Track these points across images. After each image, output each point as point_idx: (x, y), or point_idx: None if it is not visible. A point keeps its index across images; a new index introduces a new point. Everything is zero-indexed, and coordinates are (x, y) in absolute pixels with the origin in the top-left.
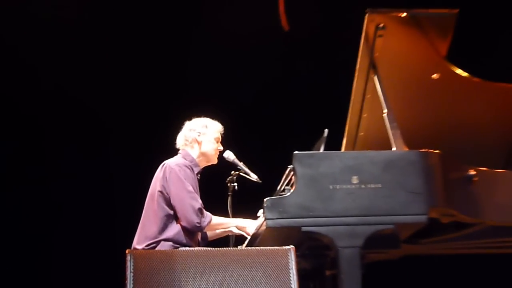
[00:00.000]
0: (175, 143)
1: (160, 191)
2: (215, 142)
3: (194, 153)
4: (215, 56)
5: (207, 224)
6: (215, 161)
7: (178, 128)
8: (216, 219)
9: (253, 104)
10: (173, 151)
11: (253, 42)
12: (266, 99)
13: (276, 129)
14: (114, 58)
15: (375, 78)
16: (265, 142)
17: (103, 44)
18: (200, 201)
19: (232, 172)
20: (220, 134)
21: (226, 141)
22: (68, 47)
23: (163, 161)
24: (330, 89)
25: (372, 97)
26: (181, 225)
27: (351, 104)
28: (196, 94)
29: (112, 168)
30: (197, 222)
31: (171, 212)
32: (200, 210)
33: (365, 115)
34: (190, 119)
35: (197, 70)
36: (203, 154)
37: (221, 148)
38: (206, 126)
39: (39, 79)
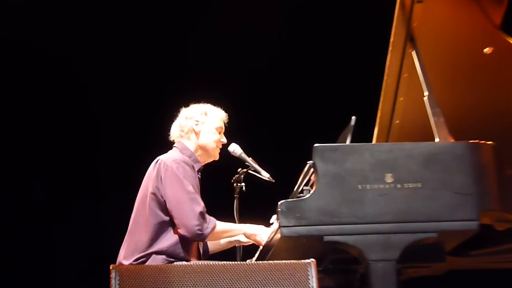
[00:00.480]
0: (169, 135)
1: (153, 193)
2: (217, 133)
3: (192, 146)
4: (218, 31)
5: (211, 231)
6: (216, 156)
7: (173, 117)
8: (221, 225)
9: (263, 88)
10: (169, 145)
11: (261, 16)
12: (279, 82)
13: (291, 117)
14: (104, 32)
15: (413, 54)
16: (279, 133)
17: (93, 24)
18: (202, 203)
19: (239, 169)
20: (224, 123)
21: (232, 132)
22: (59, 29)
23: (156, 156)
24: (358, 68)
25: (410, 77)
26: (178, 235)
27: (384, 86)
28: (195, 77)
29: (97, 165)
30: (199, 229)
31: (166, 218)
32: (202, 214)
33: (401, 99)
34: (187, 105)
35: (197, 49)
36: (202, 147)
37: (225, 140)
38: (205, 114)
39: (25, 61)
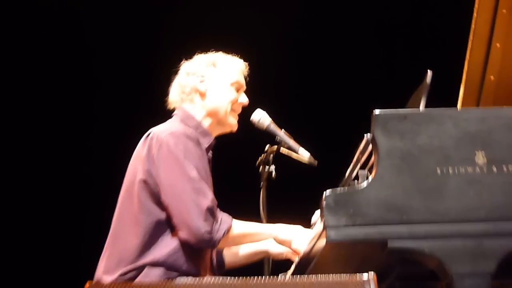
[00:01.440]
0: (166, 101)
1: (144, 180)
2: (232, 90)
3: (198, 113)
4: None
5: (224, 235)
6: (233, 125)
7: (172, 76)
8: (240, 226)
9: (302, 36)
10: (167, 116)
11: None
12: (318, 26)
13: (339, 73)
14: None
15: None
16: (321, 96)
17: None
18: (211, 195)
19: (267, 146)
20: (244, 76)
21: (255, 95)
22: None
23: (149, 128)
24: (433, 7)
25: (510, 13)
26: (179, 239)
27: (472, 27)
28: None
29: (70, 143)
30: (207, 231)
31: (162, 215)
32: (210, 211)
33: (498, 45)
34: (189, 58)
35: None
36: (211, 113)
37: (245, 100)
38: (213, 65)
39: None
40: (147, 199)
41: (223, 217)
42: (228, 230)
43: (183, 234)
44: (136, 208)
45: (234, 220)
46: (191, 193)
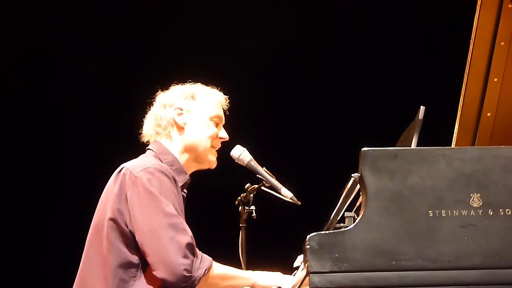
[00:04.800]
0: (140, 134)
1: (113, 219)
2: (212, 125)
3: (174, 148)
4: None
5: (205, 274)
6: (212, 162)
7: (147, 107)
8: (220, 267)
9: (282, 68)
10: (141, 150)
11: None
12: (307, 59)
13: (325, 107)
14: None
15: None
16: (307, 132)
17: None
18: (190, 232)
19: (248, 185)
20: (223, 109)
21: (235, 129)
22: None
23: (121, 163)
24: (426, 37)
25: (508, 46)
26: (154, 282)
27: (469, 61)
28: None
29: (36, 178)
30: (186, 269)
31: (134, 258)
32: (190, 247)
33: (496, 79)
34: (165, 88)
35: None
36: (189, 149)
37: (225, 135)
38: (192, 97)
39: None
40: (117, 239)
41: (204, 256)
42: (209, 269)
43: (160, 273)
44: (104, 249)
45: (215, 262)
46: (168, 229)
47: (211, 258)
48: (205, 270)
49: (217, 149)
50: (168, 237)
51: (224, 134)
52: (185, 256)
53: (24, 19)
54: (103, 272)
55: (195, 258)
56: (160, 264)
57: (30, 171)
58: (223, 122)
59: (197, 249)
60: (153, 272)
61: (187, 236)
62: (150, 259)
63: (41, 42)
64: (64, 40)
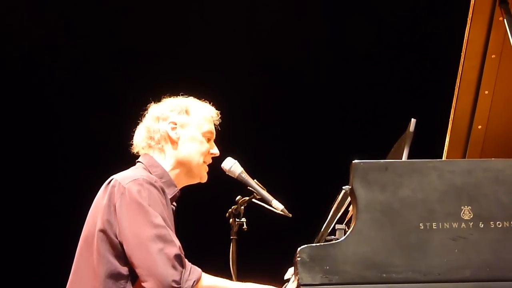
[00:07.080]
0: (131, 146)
1: (102, 231)
2: (204, 141)
3: (166, 161)
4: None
5: (194, 285)
6: (203, 176)
7: (138, 118)
8: (210, 279)
9: (273, 80)
10: (131, 163)
11: None
12: (298, 72)
13: (315, 121)
14: None
15: (506, 22)
16: (297, 144)
17: None
18: (178, 243)
19: (238, 197)
20: (214, 124)
21: (226, 142)
22: None
23: (110, 175)
24: (417, 50)
25: (499, 59)
26: None
27: (460, 73)
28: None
29: (25, 192)
30: (175, 280)
31: (124, 268)
32: (178, 259)
33: (486, 92)
34: (158, 100)
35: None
36: (181, 163)
37: (216, 151)
38: (186, 111)
39: None
40: (107, 250)
41: (193, 268)
42: (198, 280)
43: (149, 284)
44: (94, 260)
45: (204, 273)
46: (157, 241)
47: (200, 270)
48: (194, 282)
49: (208, 163)
50: (156, 248)
51: (215, 150)
52: (174, 268)
53: (14, 24)
54: (93, 283)
55: (184, 270)
56: (149, 276)
57: (20, 183)
58: (214, 137)
59: (186, 260)
60: (142, 284)
61: (175, 247)
62: (139, 270)
63: (35, 50)
64: (58, 48)
